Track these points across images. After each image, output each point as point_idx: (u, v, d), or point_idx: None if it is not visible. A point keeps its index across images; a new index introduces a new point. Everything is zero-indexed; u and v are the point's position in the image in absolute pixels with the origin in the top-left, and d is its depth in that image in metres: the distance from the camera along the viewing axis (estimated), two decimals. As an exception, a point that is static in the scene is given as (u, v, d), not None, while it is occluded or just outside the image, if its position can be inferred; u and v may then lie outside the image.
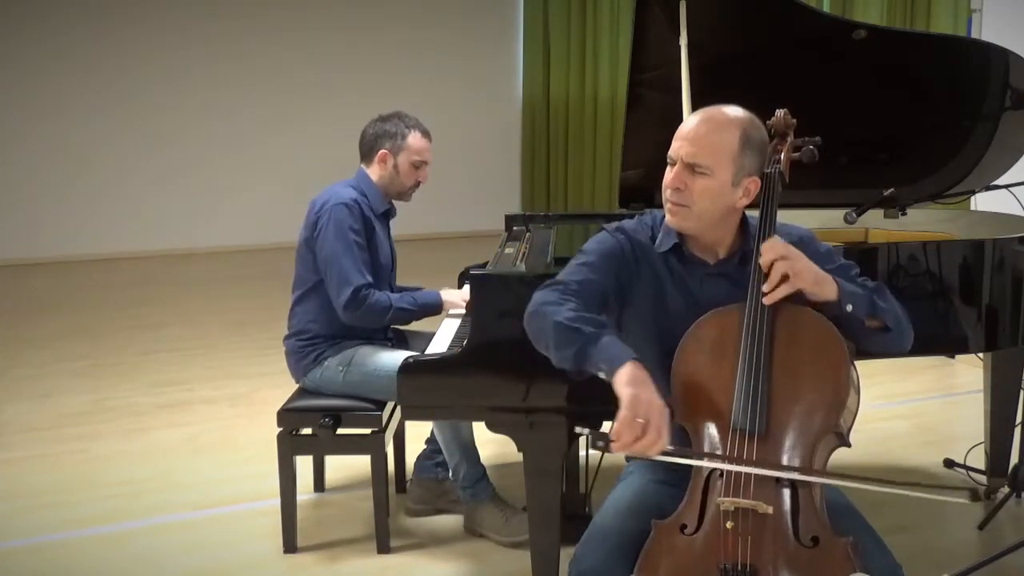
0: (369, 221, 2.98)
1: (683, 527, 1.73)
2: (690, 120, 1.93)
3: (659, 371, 1.91)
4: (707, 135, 1.88)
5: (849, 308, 1.83)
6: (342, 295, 2.86)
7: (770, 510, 1.67)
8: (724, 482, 1.72)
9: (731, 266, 1.96)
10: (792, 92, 2.65)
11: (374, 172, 3.07)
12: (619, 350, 1.75)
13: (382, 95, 8.56)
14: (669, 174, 1.91)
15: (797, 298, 1.85)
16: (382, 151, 3.04)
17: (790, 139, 2.01)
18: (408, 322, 3.08)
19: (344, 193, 2.97)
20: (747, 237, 1.97)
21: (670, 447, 1.70)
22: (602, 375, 1.76)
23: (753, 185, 1.91)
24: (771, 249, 1.81)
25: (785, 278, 1.79)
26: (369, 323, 2.93)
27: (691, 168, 1.87)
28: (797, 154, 1.99)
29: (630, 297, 1.99)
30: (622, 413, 1.66)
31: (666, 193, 1.92)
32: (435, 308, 3.05)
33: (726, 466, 1.73)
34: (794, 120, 2.03)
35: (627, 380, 1.69)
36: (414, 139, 3.06)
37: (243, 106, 8.52)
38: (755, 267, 1.85)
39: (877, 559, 1.73)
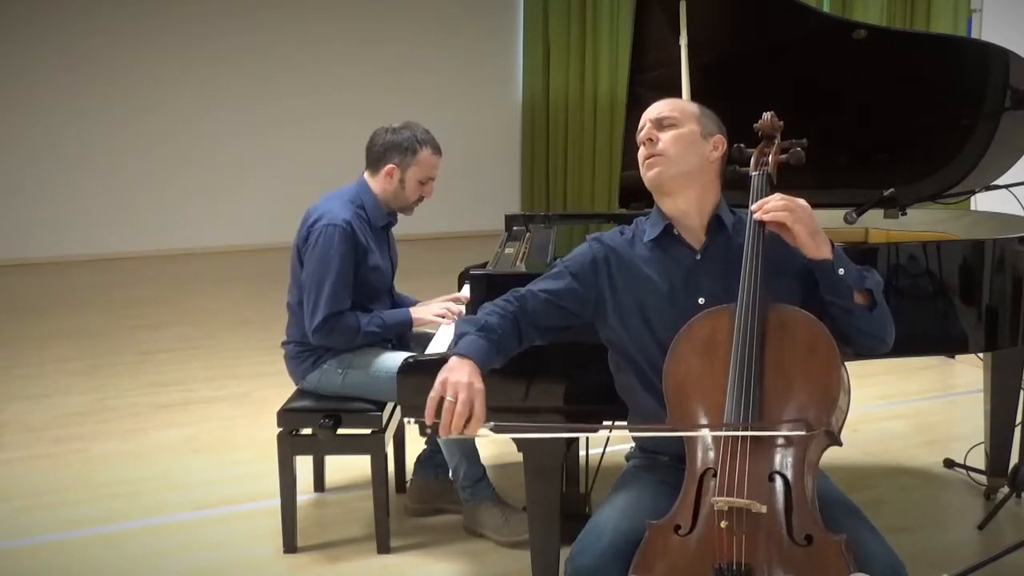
0: (363, 243, 2.90)
1: (677, 527, 1.73)
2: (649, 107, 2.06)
3: (658, 361, 1.92)
4: (668, 102, 2.03)
5: (841, 272, 1.85)
6: (314, 320, 2.84)
7: (764, 509, 1.68)
8: (718, 482, 1.72)
9: (716, 247, 1.99)
10: (792, 92, 2.66)
11: (377, 184, 2.98)
12: (459, 348, 1.87)
13: (382, 94, 8.63)
14: (641, 148, 2.01)
15: (792, 265, 1.90)
16: (390, 165, 2.95)
17: (777, 141, 2.03)
18: (379, 341, 3.00)
19: (340, 212, 2.87)
20: (725, 212, 2.02)
21: (490, 423, 1.80)
22: None
23: (720, 143, 2.01)
24: (781, 196, 1.87)
25: (783, 212, 1.83)
26: (338, 345, 2.89)
27: (659, 123, 1.99)
28: (784, 156, 2.02)
29: (610, 299, 2.01)
30: (431, 394, 1.78)
31: (641, 157, 2.01)
32: (405, 326, 3.00)
33: (570, 435, 1.80)
34: (781, 122, 2.05)
35: (442, 370, 1.82)
36: (425, 156, 2.96)
37: (242, 105, 8.53)
38: (745, 263, 1.86)
39: (880, 556, 1.73)
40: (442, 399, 1.77)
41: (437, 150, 3.01)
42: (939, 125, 2.96)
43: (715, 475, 1.73)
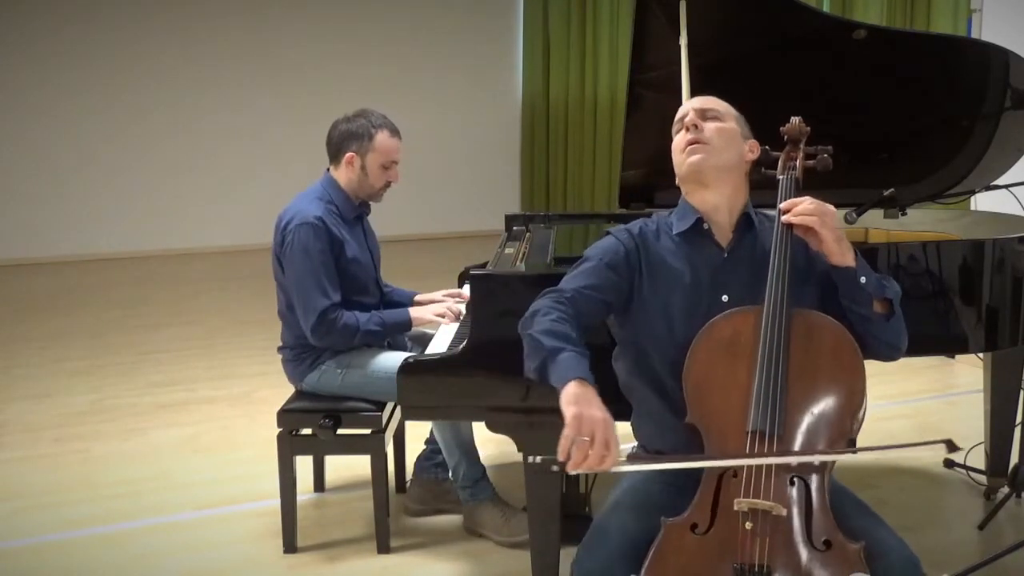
0: (338, 237, 2.89)
1: (694, 526, 1.73)
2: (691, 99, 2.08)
3: (672, 357, 1.92)
4: (710, 97, 2.06)
5: (863, 280, 1.87)
6: (309, 320, 2.83)
7: (784, 512, 1.69)
8: (742, 483, 1.72)
9: (743, 247, 1.99)
10: (792, 92, 2.66)
11: (341, 176, 2.98)
12: (570, 368, 1.76)
13: (382, 94, 8.60)
14: (682, 135, 2.00)
15: (813, 271, 1.93)
16: (349, 153, 2.94)
17: (802, 146, 2.04)
18: (380, 342, 3.00)
19: (309, 210, 2.87)
20: (751, 213, 2.03)
21: (623, 459, 1.72)
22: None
23: (755, 147, 2.03)
24: (811, 200, 1.89)
25: (812, 217, 1.85)
26: (338, 344, 2.88)
27: (703, 113, 2.00)
28: (812, 162, 2.04)
29: (639, 290, 2.00)
30: (564, 433, 1.68)
31: (681, 143, 2.00)
32: (405, 327, 3.00)
33: (688, 465, 1.76)
34: (808, 128, 2.06)
35: (569, 399, 1.71)
36: (382, 139, 2.95)
37: (242, 105, 8.53)
38: (772, 266, 1.87)
39: (898, 551, 1.74)
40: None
41: (395, 132, 2.99)
42: (939, 125, 2.97)
43: (734, 475, 1.74)
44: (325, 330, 2.83)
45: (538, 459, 1.81)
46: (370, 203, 3.08)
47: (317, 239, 2.83)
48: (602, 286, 1.97)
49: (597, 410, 1.70)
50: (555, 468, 1.69)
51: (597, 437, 1.67)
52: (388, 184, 3.02)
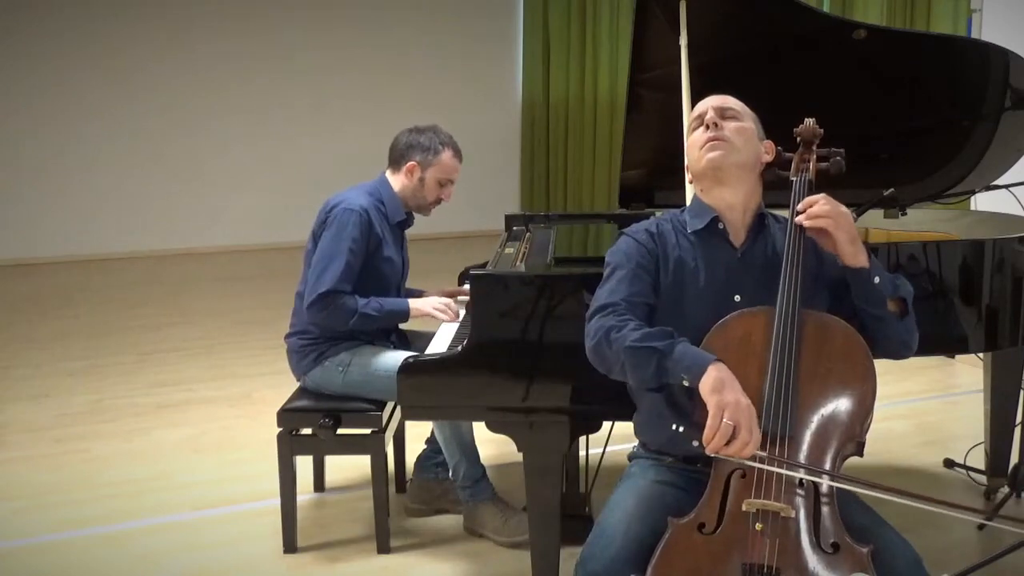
0: (378, 233, 2.94)
1: (701, 526, 1.74)
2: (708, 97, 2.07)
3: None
4: (728, 97, 2.07)
5: (876, 280, 1.88)
6: (312, 295, 2.85)
7: (793, 514, 1.69)
8: (752, 484, 1.72)
9: (757, 247, 2.00)
10: (792, 92, 2.66)
11: (397, 181, 3.05)
12: (697, 357, 1.78)
13: (382, 95, 8.63)
14: (700, 131, 2.01)
15: (824, 273, 1.94)
16: (411, 163, 3.01)
17: (815, 148, 2.05)
18: (373, 328, 3.00)
19: (357, 200, 2.94)
20: (765, 213, 2.04)
21: (762, 452, 1.73)
22: (685, 383, 1.79)
23: (771, 148, 2.04)
24: (827, 200, 1.89)
25: (827, 219, 1.86)
26: (332, 324, 2.89)
27: (722, 112, 2.00)
28: (826, 164, 2.04)
29: (656, 289, 2.01)
30: (710, 419, 1.70)
31: (699, 139, 2.00)
32: (402, 316, 3.00)
33: (828, 481, 1.74)
34: (821, 130, 2.06)
35: (712, 386, 1.73)
36: (446, 157, 3.04)
37: (243, 106, 8.52)
38: (785, 268, 1.87)
39: (902, 550, 1.75)
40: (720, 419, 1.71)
41: (458, 154, 3.08)
42: (939, 125, 2.97)
43: (743, 475, 1.74)
44: (322, 307, 2.84)
45: (681, 428, 1.87)
46: (413, 216, 3.12)
47: (356, 227, 2.88)
48: (643, 290, 1.98)
49: (741, 396, 1.73)
50: (696, 444, 1.73)
51: (742, 425, 1.70)
52: (439, 201, 3.10)
